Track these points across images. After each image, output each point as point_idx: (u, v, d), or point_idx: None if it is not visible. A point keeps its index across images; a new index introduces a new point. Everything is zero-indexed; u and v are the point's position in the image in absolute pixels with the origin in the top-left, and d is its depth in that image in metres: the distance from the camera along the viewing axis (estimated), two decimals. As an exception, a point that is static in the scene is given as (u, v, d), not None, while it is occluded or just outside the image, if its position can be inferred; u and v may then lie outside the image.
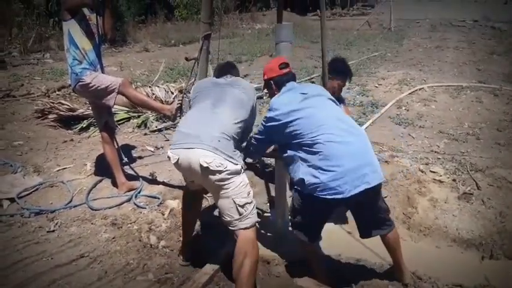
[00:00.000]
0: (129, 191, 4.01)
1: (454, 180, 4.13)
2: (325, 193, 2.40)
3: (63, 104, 5.94)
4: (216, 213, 3.73)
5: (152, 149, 5.13)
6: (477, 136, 5.31)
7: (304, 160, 2.49)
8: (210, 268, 2.90)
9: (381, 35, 14.98)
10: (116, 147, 4.08)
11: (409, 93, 7.21)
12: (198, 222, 3.38)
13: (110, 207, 3.73)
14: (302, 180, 2.47)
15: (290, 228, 3.45)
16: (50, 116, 5.88)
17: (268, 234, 3.58)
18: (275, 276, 2.96)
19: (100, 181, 4.22)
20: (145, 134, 5.61)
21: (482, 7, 19.10)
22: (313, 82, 7.70)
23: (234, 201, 2.47)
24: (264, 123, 2.72)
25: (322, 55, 3.33)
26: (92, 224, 3.50)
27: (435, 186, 4.08)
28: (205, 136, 2.47)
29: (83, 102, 6.13)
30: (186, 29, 14.66)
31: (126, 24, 13.82)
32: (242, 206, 2.49)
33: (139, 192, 4.01)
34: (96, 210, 3.69)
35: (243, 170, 2.55)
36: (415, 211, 3.82)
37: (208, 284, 2.81)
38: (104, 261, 3.03)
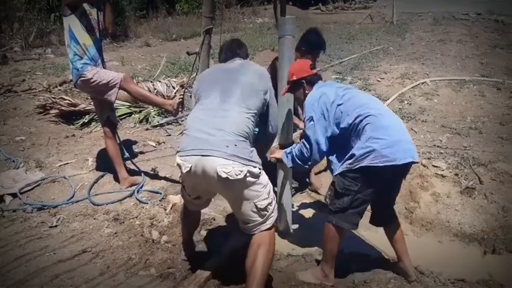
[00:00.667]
0: (131, 186, 4.01)
1: (456, 174, 4.11)
2: (377, 161, 2.45)
3: (64, 99, 5.94)
4: (214, 209, 3.73)
5: (154, 144, 5.12)
6: (480, 130, 5.29)
7: (353, 140, 2.56)
8: (212, 263, 2.91)
9: (383, 29, 14.89)
10: (118, 142, 4.08)
11: (412, 87, 7.17)
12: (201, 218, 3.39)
13: (112, 203, 3.74)
14: (351, 155, 2.53)
15: (293, 225, 3.46)
16: (51, 111, 5.88)
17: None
18: (277, 271, 2.97)
19: (102, 176, 4.23)
20: (146, 129, 5.60)
21: (486, 0, 18.95)
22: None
23: (255, 205, 2.33)
24: (312, 123, 2.62)
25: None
26: (94, 219, 3.51)
27: (437, 181, 4.07)
28: (219, 141, 2.26)
29: (85, 97, 6.12)
30: (188, 23, 14.59)
31: (127, 18, 13.76)
32: (264, 209, 2.37)
33: (141, 187, 4.01)
34: (98, 205, 3.70)
35: (262, 171, 2.38)
36: (418, 206, 3.82)
37: (210, 279, 2.81)
38: (106, 256, 3.03)
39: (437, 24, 15.58)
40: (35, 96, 6.62)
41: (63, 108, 5.82)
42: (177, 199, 3.72)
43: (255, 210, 2.34)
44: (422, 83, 7.46)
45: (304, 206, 3.96)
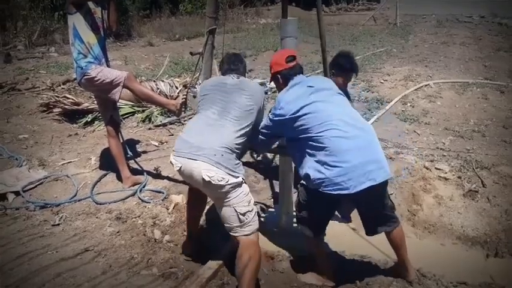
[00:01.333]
0: (133, 186, 4.01)
1: (459, 177, 4.11)
2: (330, 188, 2.40)
3: (68, 98, 5.95)
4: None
5: (157, 144, 5.13)
6: (483, 133, 5.28)
7: (311, 155, 2.49)
8: (214, 263, 2.91)
9: (387, 31, 14.88)
10: (121, 141, 4.08)
11: (415, 90, 7.16)
12: (203, 217, 3.39)
13: (114, 202, 3.74)
14: (308, 175, 2.48)
15: (295, 224, 3.46)
16: (54, 110, 5.89)
17: (273, 230, 3.58)
18: (279, 272, 2.97)
19: (105, 175, 4.23)
20: (149, 129, 5.61)
21: (489, 3, 18.90)
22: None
23: (235, 210, 2.53)
24: (270, 117, 2.71)
25: (322, 50, 3.30)
26: (96, 218, 3.51)
27: (440, 184, 4.07)
28: (207, 149, 2.52)
29: (88, 96, 6.14)
30: (191, 23, 14.60)
31: (131, 18, 13.78)
32: (243, 214, 2.55)
33: (143, 187, 4.01)
34: (100, 204, 3.70)
35: (244, 181, 2.60)
36: (420, 208, 3.81)
37: (212, 278, 2.81)
38: (109, 255, 3.03)
39: (440, 27, 15.56)
40: (39, 94, 6.64)
41: (66, 106, 5.84)
42: (179, 199, 3.72)
43: (234, 214, 2.54)
44: (426, 85, 7.45)
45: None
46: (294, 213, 3.52)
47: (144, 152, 4.90)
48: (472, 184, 3.98)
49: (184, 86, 6.17)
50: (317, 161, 2.45)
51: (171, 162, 2.65)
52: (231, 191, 2.52)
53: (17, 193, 3.79)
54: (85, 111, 5.80)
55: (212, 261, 2.94)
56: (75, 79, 6.01)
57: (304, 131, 2.52)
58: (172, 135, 5.43)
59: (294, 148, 2.66)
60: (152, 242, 3.24)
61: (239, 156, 2.66)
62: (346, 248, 3.29)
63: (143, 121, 5.82)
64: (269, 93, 6.61)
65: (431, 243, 3.47)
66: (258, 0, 19.86)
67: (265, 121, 2.80)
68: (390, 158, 4.44)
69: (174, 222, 3.48)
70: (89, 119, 5.69)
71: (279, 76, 2.83)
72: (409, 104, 6.45)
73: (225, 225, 2.62)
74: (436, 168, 4.26)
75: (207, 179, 2.45)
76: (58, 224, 3.38)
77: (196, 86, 3.91)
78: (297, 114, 2.55)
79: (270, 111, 2.76)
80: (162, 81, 6.63)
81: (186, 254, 3.13)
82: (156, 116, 5.86)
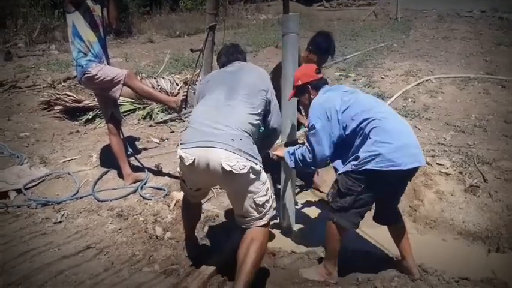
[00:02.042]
0: (134, 183, 4.02)
1: (460, 172, 4.10)
2: (382, 165, 2.42)
3: (68, 96, 5.96)
4: (217, 206, 3.74)
5: (157, 141, 5.13)
6: (484, 128, 5.26)
7: (358, 142, 2.53)
8: (216, 260, 2.91)
9: (387, 26, 14.83)
10: (122, 138, 4.09)
11: (416, 85, 7.14)
12: (204, 214, 3.39)
13: (116, 199, 3.74)
14: (355, 157, 2.51)
15: (296, 223, 3.46)
16: (55, 108, 5.90)
17: (274, 226, 3.58)
18: (281, 268, 2.97)
19: (106, 172, 4.24)
20: (150, 126, 5.61)
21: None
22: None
23: (254, 201, 2.37)
24: (315, 130, 2.61)
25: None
26: (98, 215, 3.51)
27: (442, 179, 4.06)
28: (224, 134, 2.29)
29: (89, 93, 6.13)
30: (191, 19, 14.57)
31: (131, 15, 13.76)
32: (262, 205, 2.42)
33: (145, 184, 4.02)
34: (102, 201, 3.71)
35: (262, 168, 2.42)
36: (422, 204, 3.81)
37: (214, 275, 2.81)
38: (110, 253, 3.04)
39: (441, 22, 15.50)
40: (39, 92, 6.65)
41: (67, 104, 5.85)
42: (180, 196, 3.71)
43: (253, 205, 2.39)
44: (427, 80, 7.43)
45: (307, 203, 3.96)
46: (295, 210, 3.54)
47: (145, 149, 4.90)
48: (473, 179, 3.98)
49: (185, 83, 6.17)
50: (367, 144, 2.48)
51: (180, 157, 2.36)
52: (252, 181, 2.33)
53: (18, 191, 3.80)
54: (86, 108, 5.81)
55: (214, 257, 2.94)
56: (75, 77, 6.00)
57: (353, 117, 2.55)
58: (173, 132, 5.44)
59: (338, 148, 2.66)
60: (154, 239, 3.24)
61: (255, 139, 2.48)
62: (348, 243, 3.28)
63: (144, 118, 5.82)
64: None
65: (432, 239, 3.46)
66: (258, -4, 19.82)
67: (309, 139, 2.68)
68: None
69: (176, 219, 3.48)
70: (90, 117, 5.70)
71: (310, 86, 2.81)
72: (410, 100, 6.44)
73: (240, 219, 2.47)
74: (438, 164, 4.25)
75: (228, 168, 2.20)
76: (60, 222, 3.38)
77: (197, 83, 3.91)
78: (343, 107, 2.58)
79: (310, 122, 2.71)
80: (163, 78, 6.62)
81: (189, 253, 3.10)
82: (157, 113, 5.86)
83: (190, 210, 2.94)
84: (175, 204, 3.65)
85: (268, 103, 2.70)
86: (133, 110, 6.02)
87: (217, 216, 3.59)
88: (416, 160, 2.50)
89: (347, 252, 3.07)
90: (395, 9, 16.44)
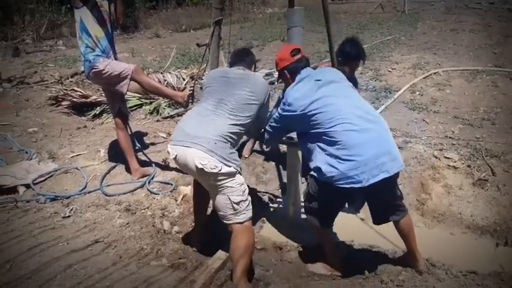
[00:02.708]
0: (142, 177, 4.04)
1: (468, 166, 4.07)
2: (343, 182, 2.39)
3: (76, 91, 5.98)
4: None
5: (164, 136, 5.14)
6: (492, 121, 5.21)
7: (322, 149, 2.47)
8: (223, 253, 2.93)
9: (395, 18, 14.71)
10: (129, 133, 4.10)
11: (424, 78, 7.09)
12: (211, 208, 3.40)
13: (123, 193, 3.77)
14: (319, 168, 2.46)
15: (303, 215, 3.46)
16: (63, 103, 5.93)
17: (280, 220, 3.59)
18: (288, 262, 2.98)
19: (114, 167, 4.26)
20: (157, 121, 5.62)
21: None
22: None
23: (229, 198, 2.57)
24: (280, 112, 2.70)
25: (329, 40, 3.26)
26: (106, 209, 3.54)
27: (449, 173, 4.03)
28: (202, 137, 2.55)
29: (96, 89, 6.16)
30: (197, 14, 14.56)
31: (137, 10, 13.78)
32: (237, 203, 2.59)
33: (152, 178, 4.04)
34: (110, 196, 3.73)
35: (238, 172, 2.62)
36: (429, 197, 3.79)
37: (221, 269, 2.83)
38: (119, 247, 3.07)
39: (449, 14, 15.34)
40: (47, 87, 6.68)
41: (74, 99, 5.87)
42: (187, 190, 3.74)
43: (228, 202, 2.58)
44: (435, 73, 7.37)
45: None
46: (302, 204, 3.55)
47: (152, 143, 4.92)
48: (481, 173, 3.95)
49: (192, 78, 6.17)
50: (329, 155, 2.43)
51: (168, 151, 2.72)
52: (225, 180, 2.55)
53: (27, 186, 3.84)
54: (93, 103, 5.83)
55: (221, 251, 2.96)
56: (83, 72, 6.02)
57: (315, 126, 2.51)
58: (180, 126, 5.44)
59: (304, 142, 2.65)
60: (161, 233, 3.27)
61: (234, 146, 2.68)
62: (355, 237, 3.29)
63: (151, 113, 5.83)
64: (276, 83, 6.59)
65: (440, 233, 3.45)
66: (264, -11, 19.72)
67: (274, 115, 2.80)
68: (399, 147, 4.37)
69: (183, 213, 3.51)
70: (97, 112, 5.72)
71: (286, 71, 2.80)
72: (417, 93, 6.39)
73: (219, 213, 2.66)
74: (445, 157, 4.23)
75: (200, 166, 2.48)
76: (68, 216, 3.42)
77: (203, 78, 3.91)
78: (306, 111, 2.53)
79: (278, 106, 2.76)
80: (169, 73, 6.63)
81: (195, 244, 3.15)
82: (164, 108, 5.87)
83: (198, 195, 3.08)
84: (182, 199, 3.67)
85: (259, 111, 2.82)
86: (140, 105, 6.03)
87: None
88: (383, 171, 2.38)
89: (354, 246, 3.08)
90: (402, 1, 16.30)
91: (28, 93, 6.56)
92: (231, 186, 2.57)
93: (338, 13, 16.31)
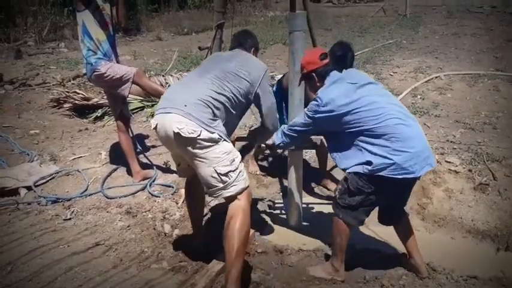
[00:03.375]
0: (143, 180, 4.05)
1: (470, 170, 4.07)
2: (397, 173, 2.44)
3: (78, 93, 6.00)
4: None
5: (166, 138, 5.14)
6: (494, 125, 5.22)
7: (370, 143, 2.50)
8: (224, 257, 2.92)
9: (396, 22, 14.73)
10: (131, 136, 4.11)
11: (425, 82, 7.09)
12: (211, 210, 3.41)
13: (124, 196, 3.78)
14: (368, 162, 2.49)
15: (304, 223, 3.46)
16: (65, 105, 5.95)
17: (281, 224, 3.59)
18: (288, 266, 2.97)
19: (115, 170, 4.27)
20: (159, 123, 5.62)
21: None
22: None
23: (215, 170, 2.36)
24: (310, 115, 2.65)
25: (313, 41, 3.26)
26: (107, 212, 3.55)
27: (451, 177, 4.03)
28: (179, 101, 2.39)
29: (98, 91, 6.18)
30: (199, 17, 14.60)
31: (139, 13, 13.82)
32: (225, 175, 2.38)
33: (153, 181, 4.04)
34: (111, 198, 3.74)
35: (223, 139, 2.43)
36: (430, 202, 3.79)
37: (222, 272, 2.81)
38: (119, 249, 3.07)
39: (451, 18, 15.37)
40: (49, 90, 6.70)
41: (76, 102, 5.89)
42: (188, 193, 3.74)
43: (215, 175, 2.37)
44: (436, 77, 7.38)
45: (315, 201, 3.96)
46: (303, 207, 3.55)
47: (154, 146, 4.93)
48: (482, 177, 3.95)
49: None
50: (380, 148, 2.47)
51: (151, 124, 2.54)
52: (207, 148, 2.34)
53: (28, 188, 3.85)
54: (95, 106, 5.85)
55: (222, 255, 2.95)
56: (85, 74, 6.03)
57: (356, 124, 2.52)
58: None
59: (340, 141, 2.65)
60: (162, 236, 3.27)
61: (218, 116, 2.47)
62: (356, 241, 3.28)
63: (152, 116, 5.83)
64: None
65: (441, 237, 3.45)
66: (266, -8, 19.77)
67: (300, 119, 2.76)
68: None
69: (184, 216, 3.50)
70: (99, 114, 5.74)
71: (314, 75, 2.78)
72: (419, 97, 6.40)
73: (208, 191, 2.48)
74: (447, 161, 4.22)
75: (176, 130, 2.28)
76: (69, 219, 3.42)
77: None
78: (346, 110, 2.52)
79: (307, 109, 2.72)
80: (171, 75, 6.65)
81: (195, 247, 3.13)
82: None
83: (190, 194, 3.01)
84: (183, 202, 3.67)
85: (252, 95, 2.69)
86: (142, 108, 6.05)
87: (223, 214, 3.59)
88: (428, 163, 2.51)
89: (354, 250, 3.07)
90: (404, 5, 16.32)
91: (30, 95, 6.58)
92: (215, 157, 2.36)
93: (339, 16, 16.35)
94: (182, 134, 2.28)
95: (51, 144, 4.90)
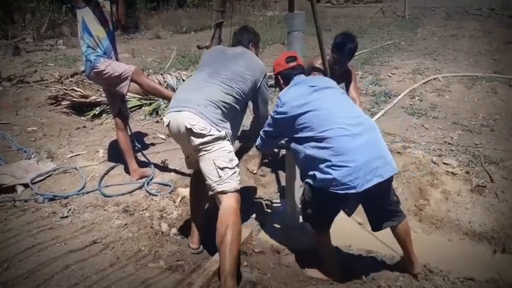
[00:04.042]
0: (141, 178, 4.04)
1: (467, 172, 4.08)
2: (337, 188, 2.38)
3: (76, 91, 5.98)
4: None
5: (164, 137, 5.15)
6: (491, 128, 5.23)
7: (315, 155, 2.45)
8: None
9: (395, 23, 14.76)
10: (129, 134, 4.11)
11: (423, 83, 7.11)
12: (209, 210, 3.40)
13: (122, 194, 3.77)
14: (314, 175, 2.45)
15: (301, 219, 3.47)
16: (63, 103, 5.93)
17: (279, 224, 3.59)
18: (285, 266, 2.97)
19: (112, 168, 4.26)
20: (157, 122, 5.63)
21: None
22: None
23: (214, 163, 2.54)
24: (272, 115, 2.72)
25: (319, 40, 3.25)
26: (104, 210, 3.54)
27: (448, 179, 4.04)
28: (192, 101, 2.58)
29: (96, 89, 6.17)
30: (198, 16, 14.60)
31: (138, 11, 13.81)
32: (222, 169, 2.55)
33: (151, 180, 4.04)
34: (108, 196, 3.73)
35: (228, 138, 2.64)
36: (427, 203, 3.80)
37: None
38: (116, 248, 3.06)
39: (449, 19, 15.40)
40: (47, 87, 6.69)
41: (74, 99, 5.87)
42: (186, 192, 3.73)
43: (213, 167, 2.55)
44: (434, 78, 7.39)
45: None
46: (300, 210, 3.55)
47: (152, 144, 4.92)
48: (480, 179, 3.96)
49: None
50: (322, 162, 2.41)
51: (163, 122, 2.72)
52: (212, 144, 2.55)
53: (26, 185, 3.83)
54: (93, 104, 5.83)
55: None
56: (83, 72, 6.02)
57: (306, 129, 2.50)
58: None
59: (296, 150, 2.64)
60: (159, 234, 3.26)
61: (226, 117, 2.67)
62: (353, 242, 3.29)
63: (150, 114, 5.84)
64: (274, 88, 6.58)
65: (438, 239, 3.46)
66: (265, -8, 19.77)
67: (268, 120, 2.82)
68: (398, 153, 4.42)
69: (181, 215, 3.50)
70: (97, 112, 5.73)
71: (280, 77, 2.85)
72: (417, 98, 6.41)
73: (206, 183, 2.61)
74: (444, 163, 4.24)
75: (188, 126, 2.49)
76: (66, 216, 3.41)
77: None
78: (298, 112, 2.53)
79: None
80: (169, 74, 6.64)
81: (193, 246, 3.14)
82: (163, 109, 5.87)
83: (195, 189, 3.11)
84: (181, 200, 3.67)
85: (255, 93, 2.90)
86: (140, 106, 6.03)
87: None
88: (377, 175, 2.38)
89: (351, 251, 3.07)
90: (403, 6, 16.36)
91: (28, 92, 6.56)
92: (217, 150, 2.56)
93: (338, 17, 16.37)
94: (194, 130, 2.49)
95: (49, 141, 4.89)
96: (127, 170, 4.13)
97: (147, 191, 3.82)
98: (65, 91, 6.02)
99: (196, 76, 2.84)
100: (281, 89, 2.87)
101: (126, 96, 4.02)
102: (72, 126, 5.38)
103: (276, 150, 4.68)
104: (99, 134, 5.16)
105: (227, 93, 2.67)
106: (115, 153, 4.35)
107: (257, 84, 2.85)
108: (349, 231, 3.42)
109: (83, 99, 5.86)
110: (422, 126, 5.27)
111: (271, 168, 4.49)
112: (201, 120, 2.52)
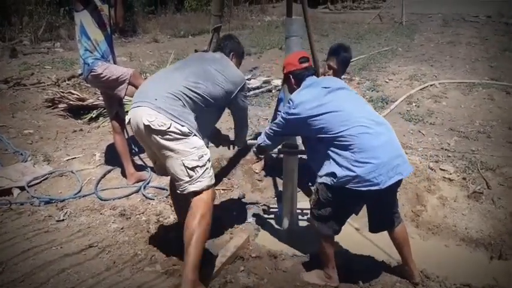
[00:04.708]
0: (137, 182, 4.03)
1: (464, 178, 4.09)
2: (360, 185, 2.40)
3: (73, 94, 5.96)
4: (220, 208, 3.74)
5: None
6: (488, 134, 5.25)
7: (336, 153, 2.47)
8: (217, 261, 2.91)
9: (392, 29, 14.81)
10: (126, 137, 4.10)
11: (420, 89, 7.13)
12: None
13: (118, 198, 3.75)
14: (333, 173, 2.45)
15: (299, 223, 3.46)
16: (60, 106, 5.91)
17: (276, 228, 3.59)
18: (282, 271, 2.97)
19: (109, 171, 4.24)
20: (154, 125, 5.60)
21: (496, 3, 18.78)
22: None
23: (183, 163, 2.42)
24: (284, 116, 2.68)
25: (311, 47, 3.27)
26: (100, 214, 3.52)
27: (445, 185, 4.05)
28: (151, 95, 2.45)
29: (93, 92, 6.15)
30: (196, 20, 14.60)
31: (136, 14, 13.80)
32: (192, 169, 2.44)
33: (148, 183, 4.02)
34: (105, 200, 3.71)
35: (193, 134, 2.47)
36: (424, 209, 3.81)
37: (215, 277, 2.81)
38: (113, 252, 3.04)
39: (446, 26, 15.48)
40: (44, 90, 6.65)
41: (71, 102, 5.85)
42: (183, 196, 3.73)
43: (182, 168, 2.42)
44: (431, 85, 7.42)
45: (309, 206, 3.96)
46: (298, 212, 3.55)
47: (149, 148, 4.90)
48: (476, 185, 3.97)
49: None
50: (344, 159, 2.43)
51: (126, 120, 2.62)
52: (177, 141, 2.40)
53: (22, 188, 3.81)
54: (90, 107, 5.81)
55: (215, 259, 2.94)
56: (80, 75, 6.01)
57: (324, 130, 2.50)
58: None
59: (313, 148, 2.65)
60: (156, 239, 3.24)
61: (189, 108, 2.51)
62: (350, 247, 3.29)
63: (148, 118, 5.82)
64: (273, 91, 6.60)
65: (435, 245, 3.46)
66: (263, -3, 19.86)
67: (277, 120, 2.79)
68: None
69: (178, 220, 3.49)
70: (94, 115, 5.70)
71: (291, 76, 2.82)
72: (414, 104, 6.43)
73: (176, 184, 2.54)
74: (441, 169, 4.25)
75: (146, 123, 2.35)
76: (62, 220, 3.39)
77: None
78: (314, 114, 2.53)
79: (278, 107, 2.77)
80: (167, 78, 6.62)
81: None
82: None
83: (174, 192, 2.95)
84: (177, 205, 3.66)
85: (226, 100, 2.75)
86: (137, 110, 6.01)
87: (219, 219, 3.59)
88: (398, 173, 2.44)
89: (349, 256, 3.07)
90: (400, 12, 16.42)
91: (24, 94, 6.53)
92: (184, 150, 2.41)
93: (336, 23, 16.42)
94: (152, 127, 2.35)
95: (45, 144, 4.86)
96: (124, 174, 4.11)
97: (144, 195, 3.81)
98: (61, 94, 6.00)
99: (165, 69, 2.72)
100: (291, 88, 2.86)
101: (124, 100, 4.02)
102: (68, 129, 5.36)
103: (274, 155, 4.68)
104: (96, 137, 5.15)
105: (190, 89, 2.52)
106: (112, 157, 4.33)
107: (231, 93, 2.74)
108: (346, 236, 3.41)
109: (80, 102, 5.84)
110: (419, 132, 5.29)
111: (268, 173, 4.49)
112: (159, 116, 2.36)
